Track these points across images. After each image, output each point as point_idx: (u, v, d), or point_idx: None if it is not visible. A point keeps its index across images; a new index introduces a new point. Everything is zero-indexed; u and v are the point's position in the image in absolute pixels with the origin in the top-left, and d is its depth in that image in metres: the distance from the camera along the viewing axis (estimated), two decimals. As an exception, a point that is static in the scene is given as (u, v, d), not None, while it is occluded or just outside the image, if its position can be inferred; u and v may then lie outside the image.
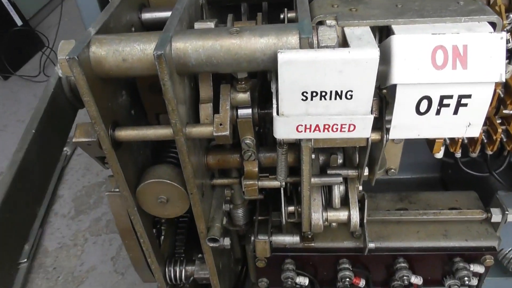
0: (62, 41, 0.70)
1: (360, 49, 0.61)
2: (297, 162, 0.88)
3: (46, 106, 0.75)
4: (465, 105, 0.66)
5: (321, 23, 0.70)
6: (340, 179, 0.85)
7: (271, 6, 1.06)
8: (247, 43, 0.65)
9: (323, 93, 0.64)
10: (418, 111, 0.67)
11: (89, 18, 1.02)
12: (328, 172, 0.87)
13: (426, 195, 1.12)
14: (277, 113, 0.67)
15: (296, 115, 0.67)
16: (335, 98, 0.65)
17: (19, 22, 3.60)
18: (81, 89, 0.66)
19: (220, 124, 0.73)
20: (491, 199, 1.10)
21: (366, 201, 0.94)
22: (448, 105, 0.66)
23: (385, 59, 0.65)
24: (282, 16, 0.96)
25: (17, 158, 0.66)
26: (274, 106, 0.68)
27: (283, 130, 0.69)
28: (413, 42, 0.63)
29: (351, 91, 0.64)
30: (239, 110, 0.78)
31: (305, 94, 0.64)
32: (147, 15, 0.92)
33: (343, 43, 0.67)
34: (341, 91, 0.64)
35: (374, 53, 0.61)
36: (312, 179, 0.83)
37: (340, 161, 0.93)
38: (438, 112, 0.67)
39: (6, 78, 3.41)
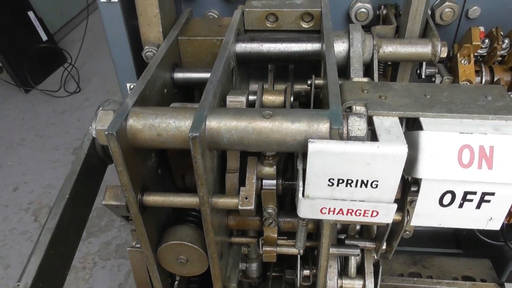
0: (101, 111, 0.73)
1: (389, 145, 0.63)
2: (316, 229, 0.89)
3: (80, 169, 0.78)
4: (488, 201, 0.67)
5: (350, 107, 0.73)
6: (358, 251, 0.86)
7: (297, 67, 1.10)
8: (279, 127, 0.67)
9: (349, 181, 0.66)
10: (441, 203, 0.68)
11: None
12: (346, 242, 0.88)
13: (440, 260, 1.12)
14: (303, 195, 0.69)
15: (321, 199, 0.69)
16: (361, 186, 0.66)
17: (44, 36, 3.70)
18: (116, 160, 0.69)
19: (246, 198, 0.75)
20: (505, 269, 1.10)
21: (380, 268, 0.94)
22: (471, 200, 0.67)
23: (411, 148, 0.67)
24: (309, 82, 0.99)
25: (51, 225, 0.68)
26: (300, 187, 0.69)
27: (307, 210, 0.70)
28: (441, 140, 0.65)
29: (377, 181, 0.65)
30: (264, 181, 0.80)
31: (331, 180, 0.66)
32: (179, 75, 0.95)
33: (372, 132, 0.69)
34: (367, 181, 0.66)
35: (402, 149, 0.62)
36: (330, 250, 0.85)
37: (357, 227, 0.95)
38: (461, 206, 0.68)
39: (27, 91, 3.49)
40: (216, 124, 0.68)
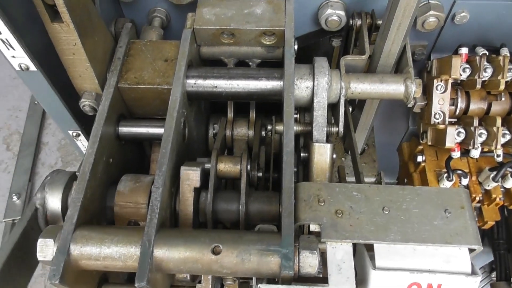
0: (41, 240, 0.68)
1: (337, 290, 0.63)
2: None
3: (15, 244, 0.77)
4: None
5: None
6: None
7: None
8: (229, 264, 0.65)
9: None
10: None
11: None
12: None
13: None
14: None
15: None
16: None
17: None
18: (65, 291, 0.68)
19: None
20: None
21: None
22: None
23: (363, 270, 0.68)
24: (269, 127, 0.92)
25: None
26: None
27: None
28: (391, 279, 0.65)
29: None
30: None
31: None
32: (124, 130, 0.86)
33: (323, 263, 0.68)
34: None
35: (351, 296, 0.63)
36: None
37: None
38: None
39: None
40: (165, 258, 0.66)
